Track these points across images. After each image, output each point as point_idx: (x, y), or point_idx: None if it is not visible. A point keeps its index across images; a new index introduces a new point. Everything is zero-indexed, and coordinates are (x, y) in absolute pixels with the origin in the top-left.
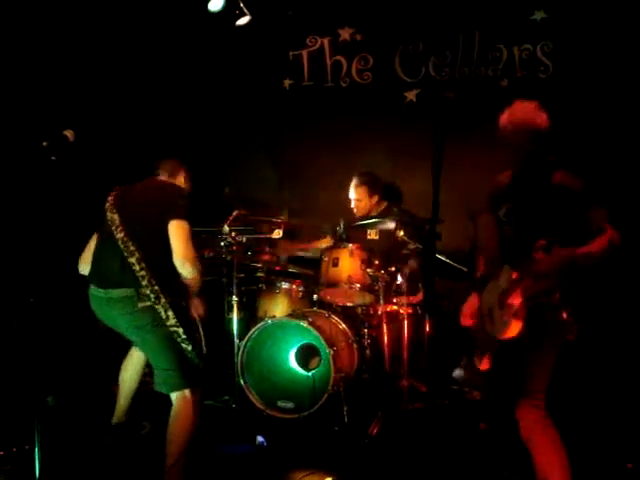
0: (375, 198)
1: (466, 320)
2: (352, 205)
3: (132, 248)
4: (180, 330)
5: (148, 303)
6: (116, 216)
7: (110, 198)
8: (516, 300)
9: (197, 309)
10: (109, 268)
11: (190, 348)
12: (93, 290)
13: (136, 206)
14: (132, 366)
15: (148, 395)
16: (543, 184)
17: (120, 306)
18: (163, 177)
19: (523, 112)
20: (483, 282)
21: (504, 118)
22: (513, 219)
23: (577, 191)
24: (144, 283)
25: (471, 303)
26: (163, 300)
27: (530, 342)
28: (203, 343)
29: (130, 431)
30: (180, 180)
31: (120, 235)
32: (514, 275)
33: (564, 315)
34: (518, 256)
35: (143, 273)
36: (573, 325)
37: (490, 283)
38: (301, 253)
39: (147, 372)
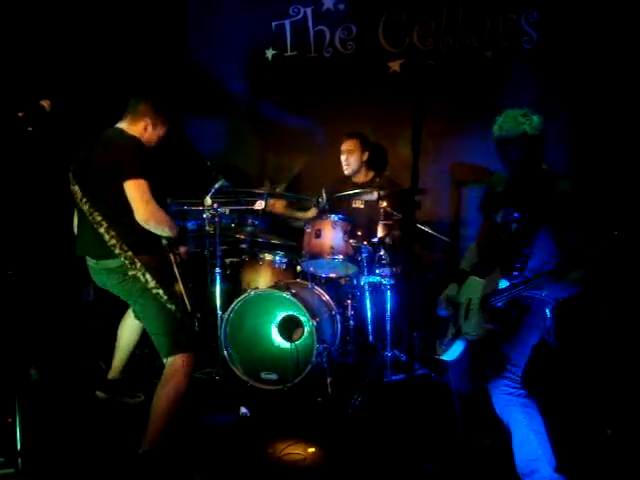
0: (366, 155)
1: (443, 310)
2: (343, 160)
3: (98, 219)
4: (161, 291)
5: (136, 271)
6: (77, 187)
7: (71, 167)
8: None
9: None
10: (87, 240)
11: (174, 307)
12: (88, 260)
13: (93, 173)
14: (130, 323)
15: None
16: (547, 197)
17: (112, 276)
18: (123, 124)
19: (513, 119)
20: (465, 275)
21: (496, 128)
22: (513, 227)
23: (579, 204)
24: (117, 252)
25: (449, 293)
26: (138, 264)
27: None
28: (186, 298)
29: (124, 391)
30: (140, 127)
31: (85, 207)
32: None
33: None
34: (511, 264)
35: (113, 242)
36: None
37: (475, 277)
38: (289, 214)
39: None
